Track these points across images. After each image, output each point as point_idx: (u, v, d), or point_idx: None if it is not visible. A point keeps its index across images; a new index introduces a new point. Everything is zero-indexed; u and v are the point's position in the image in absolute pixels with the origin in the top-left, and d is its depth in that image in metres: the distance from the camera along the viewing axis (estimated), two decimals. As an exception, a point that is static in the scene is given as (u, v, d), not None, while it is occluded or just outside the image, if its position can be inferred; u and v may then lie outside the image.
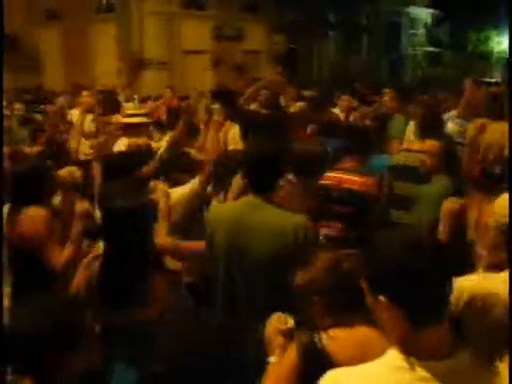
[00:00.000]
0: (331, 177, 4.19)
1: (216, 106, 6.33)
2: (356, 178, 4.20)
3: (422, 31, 31.23)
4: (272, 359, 2.23)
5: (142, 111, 6.60)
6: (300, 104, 7.90)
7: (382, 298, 1.62)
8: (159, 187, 4.09)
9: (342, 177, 4.20)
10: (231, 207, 3.21)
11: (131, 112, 6.26)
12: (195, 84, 15.93)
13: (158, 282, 2.74)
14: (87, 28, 19.33)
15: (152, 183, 4.02)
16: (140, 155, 4.38)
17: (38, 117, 8.93)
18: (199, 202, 3.95)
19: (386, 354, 1.66)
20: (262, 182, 2.99)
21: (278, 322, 2.32)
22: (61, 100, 10.22)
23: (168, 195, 3.80)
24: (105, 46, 18.77)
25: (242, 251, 2.92)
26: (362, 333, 2.12)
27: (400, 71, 28.46)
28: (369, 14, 26.08)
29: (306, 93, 11.97)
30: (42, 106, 10.72)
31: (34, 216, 3.38)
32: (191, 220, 3.88)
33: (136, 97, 12.78)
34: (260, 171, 2.98)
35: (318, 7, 21.09)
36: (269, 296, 2.75)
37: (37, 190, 3.53)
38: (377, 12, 26.30)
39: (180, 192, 3.92)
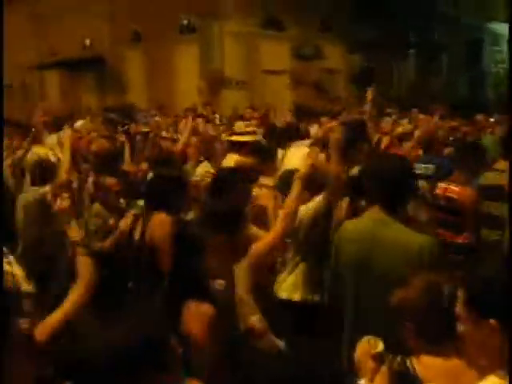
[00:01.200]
0: (441, 187, 4.91)
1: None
2: (457, 188, 4.79)
3: (504, 47, 30.36)
4: (362, 382, 2.25)
5: (250, 129, 6.72)
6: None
7: (493, 321, 1.63)
8: (264, 192, 4.22)
9: (448, 187, 4.87)
10: (359, 224, 3.19)
11: (241, 130, 6.40)
12: (274, 103, 16.17)
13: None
14: (170, 48, 19.94)
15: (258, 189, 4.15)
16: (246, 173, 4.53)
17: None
18: (325, 220, 3.95)
19: (487, 381, 1.65)
20: (392, 199, 3.02)
21: (369, 345, 2.33)
22: (156, 121, 10.62)
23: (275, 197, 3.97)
24: (187, 65, 19.31)
25: (368, 268, 2.95)
26: (454, 363, 2.10)
27: (481, 89, 27.75)
28: (449, 30, 25.63)
29: (389, 110, 11.95)
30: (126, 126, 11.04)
31: (163, 221, 3.55)
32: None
33: (217, 115, 13.09)
34: (392, 187, 3.01)
35: (397, 25, 20.92)
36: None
37: (174, 196, 3.74)
38: (457, 29, 25.80)
39: (304, 209, 3.91)
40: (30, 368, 2.33)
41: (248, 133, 6.31)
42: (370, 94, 6.90)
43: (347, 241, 3.12)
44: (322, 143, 5.22)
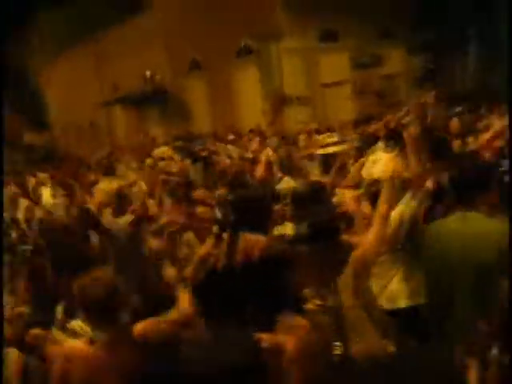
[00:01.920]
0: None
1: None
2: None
3: None
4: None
5: (332, 140, 6.76)
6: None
7: None
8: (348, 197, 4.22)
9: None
10: (448, 222, 3.45)
11: (327, 142, 6.46)
12: (337, 115, 16.08)
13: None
14: (229, 73, 20.19)
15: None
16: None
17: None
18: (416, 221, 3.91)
19: None
20: (472, 195, 3.30)
21: None
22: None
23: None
24: (247, 87, 19.51)
25: (465, 264, 3.14)
26: None
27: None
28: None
29: (458, 109, 11.68)
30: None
31: (259, 240, 3.55)
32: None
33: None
34: (472, 185, 3.31)
35: (457, 23, 20.46)
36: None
37: (262, 215, 3.75)
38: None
39: (398, 212, 3.89)
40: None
41: (333, 143, 6.35)
42: (431, 98, 6.77)
43: (442, 240, 3.36)
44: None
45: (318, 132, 11.18)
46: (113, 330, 2.90)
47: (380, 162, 5.73)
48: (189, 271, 4.61)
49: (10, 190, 10.12)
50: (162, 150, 11.82)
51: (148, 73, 23.47)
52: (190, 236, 5.01)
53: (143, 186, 7.22)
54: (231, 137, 14.26)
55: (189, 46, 21.07)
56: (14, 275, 4.94)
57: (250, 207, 3.86)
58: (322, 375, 2.49)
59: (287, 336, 2.58)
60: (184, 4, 20.75)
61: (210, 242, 4.11)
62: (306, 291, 3.12)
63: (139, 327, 2.99)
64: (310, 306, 3.07)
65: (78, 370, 2.77)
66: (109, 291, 2.86)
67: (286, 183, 6.03)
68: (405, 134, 4.04)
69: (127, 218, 5.52)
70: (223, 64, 20.14)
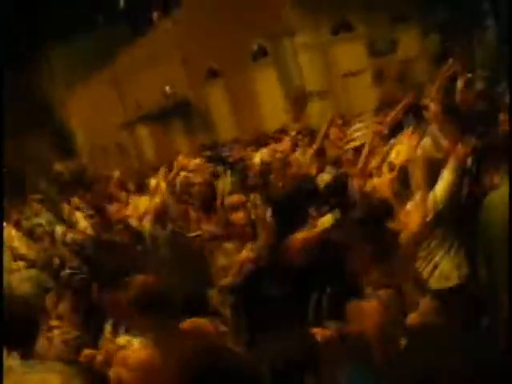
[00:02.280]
0: None
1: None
2: None
3: None
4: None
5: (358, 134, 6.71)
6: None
7: None
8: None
9: None
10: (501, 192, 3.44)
11: (356, 135, 6.41)
12: (360, 105, 15.93)
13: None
14: (247, 77, 20.18)
15: None
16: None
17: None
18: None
19: None
20: None
21: None
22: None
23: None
24: (267, 89, 19.45)
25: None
26: None
27: None
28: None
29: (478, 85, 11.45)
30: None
31: (309, 236, 3.53)
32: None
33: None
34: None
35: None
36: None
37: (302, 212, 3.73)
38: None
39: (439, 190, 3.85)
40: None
41: (361, 135, 6.30)
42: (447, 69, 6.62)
43: (496, 213, 3.31)
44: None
45: (345, 124, 11.08)
46: (163, 330, 2.98)
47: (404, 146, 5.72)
48: (227, 280, 4.61)
49: (47, 217, 10.29)
50: (194, 163, 11.84)
51: (168, 88, 23.65)
52: (228, 246, 4.98)
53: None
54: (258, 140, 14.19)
55: (204, 56, 21.15)
56: (58, 301, 4.98)
57: (290, 205, 3.87)
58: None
59: (363, 315, 2.63)
60: (194, 14, 20.85)
61: (249, 246, 4.09)
62: (364, 276, 3.11)
63: (187, 325, 3.12)
64: (369, 290, 3.08)
65: (138, 375, 2.84)
66: (157, 291, 3.01)
67: (322, 177, 6.03)
68: (430, 111, 4.01)
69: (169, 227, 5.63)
70: (240, 69, 20.15)
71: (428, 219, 3.45)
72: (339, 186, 4.72)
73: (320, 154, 6.82)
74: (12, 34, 29.43)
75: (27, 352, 2.96)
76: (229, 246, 4.99)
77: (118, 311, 3.24)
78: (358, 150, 6.72)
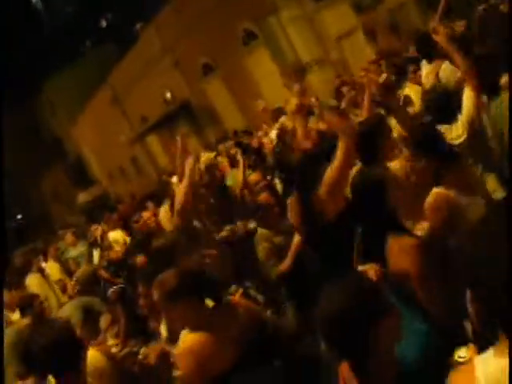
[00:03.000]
0: None
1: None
2: None
3: None
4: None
5: None
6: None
7: None
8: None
9: None
10: None
11: None
12: (359, 64, 15.73)
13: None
14: (242, 63, 20.07)
15: None
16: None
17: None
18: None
19: None
20: None
21: None
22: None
23: None
24: (264, 71, 19.32)
25: None
26: None
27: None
28: None
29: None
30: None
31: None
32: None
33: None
34: None
35: None
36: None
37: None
38: None
39: None
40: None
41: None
42: None
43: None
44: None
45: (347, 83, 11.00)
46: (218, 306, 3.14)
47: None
48: (285, 265, 4.61)
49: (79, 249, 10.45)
50: (207, 157, 11.85)
51: (168, 94, 23.69)
52: (264, 232, 4.96)
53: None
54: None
55: (195, 53, 21.12)
56: (114, 320, 5.03)
57: (310, 167, 3.80)
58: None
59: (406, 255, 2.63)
60: (175, 15, 20.79)
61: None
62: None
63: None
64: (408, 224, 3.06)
65: (192, 360, 2.92)
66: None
67: None
68: (437, 38, 4.00)
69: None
70: (233, 57, 20.05)
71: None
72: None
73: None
74: (6, 75, 29.75)
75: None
76: (264, 231, 4.96)
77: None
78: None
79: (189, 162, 4.85)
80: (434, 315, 2.59)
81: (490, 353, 1.57)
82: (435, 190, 3.16)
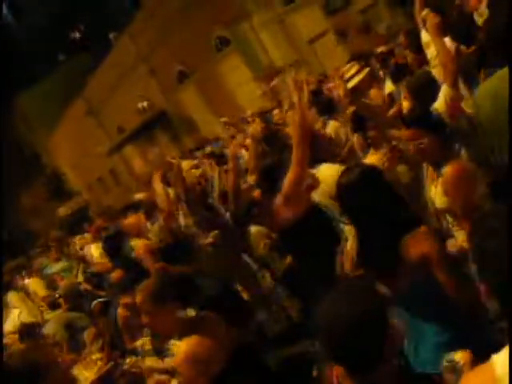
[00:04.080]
0: None
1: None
2: None
3: None
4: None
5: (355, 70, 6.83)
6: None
7: None
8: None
9: None
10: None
11: (351, 73, 6.54)
12: (333, 65, 15.86)
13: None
14: (216, 69, 20.12)
15: None
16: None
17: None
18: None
19: None
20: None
21: None
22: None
23: None
24: (239, 76, 19.39)
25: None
26: None
27: None
28: None
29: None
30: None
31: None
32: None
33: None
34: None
35: None
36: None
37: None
38: None
39: None
40: None
41: (357, 72, 6.31)
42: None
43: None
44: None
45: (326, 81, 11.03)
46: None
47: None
48: None
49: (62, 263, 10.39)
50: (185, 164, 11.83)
51: (144, 103, 23.63)
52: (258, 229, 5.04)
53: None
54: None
55: (169, 61, 21.10)
56: (98, 333, 5.04)
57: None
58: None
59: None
60: (148, 24, 20.77)
61: None
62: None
63: None
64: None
65: (202, 360, 2.91)
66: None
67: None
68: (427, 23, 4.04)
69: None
70: (207, 64, 20.09)
71: None
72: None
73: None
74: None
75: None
76: (260, 229, 5.02)
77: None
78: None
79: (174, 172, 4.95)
80: (461, 302, 2.55)
81: (507, 350, 1.47)
82: (452, 162, 3.16)
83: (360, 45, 16.81)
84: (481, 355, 1.57)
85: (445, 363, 2.10)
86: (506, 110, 2.97)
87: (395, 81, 6.73)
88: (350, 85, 6.01)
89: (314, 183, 4.07)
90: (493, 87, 3.12)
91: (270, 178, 4.12)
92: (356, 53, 14.43)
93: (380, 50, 10.94)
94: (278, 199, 3.65)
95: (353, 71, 6.45)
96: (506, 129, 2.91)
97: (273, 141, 7.06)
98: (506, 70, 3.05)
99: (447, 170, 3.17)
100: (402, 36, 10.10)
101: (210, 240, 5.27)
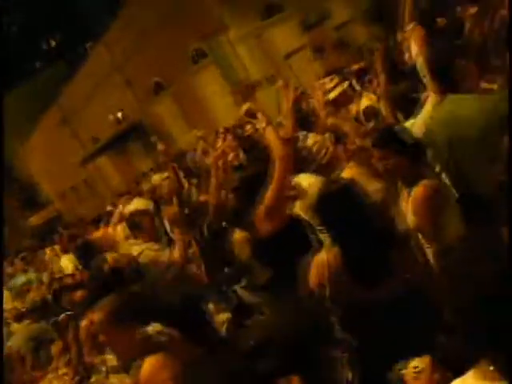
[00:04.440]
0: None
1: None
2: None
3: None
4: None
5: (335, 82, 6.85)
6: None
7: None
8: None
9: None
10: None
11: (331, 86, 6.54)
12: (309, 80, 15.96)
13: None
14: (192, 82, 20.09)
15: None
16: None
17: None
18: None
19: None
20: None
21: None
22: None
23: None
24: (214, 88, 19.40)
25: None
26: None
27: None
28: None
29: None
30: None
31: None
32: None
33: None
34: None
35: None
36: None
37: None
38: None
39: None
40: None
41: (337, 84, 6.37)
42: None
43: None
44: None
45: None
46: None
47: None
48: None
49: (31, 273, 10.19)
50: (155, 178, 11.80)
51: (119, 113, 23.51)
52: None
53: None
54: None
55: (146, 72, 21.03)
56: (65, 347, 4.95)
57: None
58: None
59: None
60: (125, 33, 20.69)
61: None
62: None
63: None
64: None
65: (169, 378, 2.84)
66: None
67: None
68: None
69: None
70: (184, 76, 20.06)
71: None
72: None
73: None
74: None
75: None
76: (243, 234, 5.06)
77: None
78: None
79: None
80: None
81: (469, 375, 1.50)
82: (423, 182, 3.19)
83: (336, 61, 16.96)
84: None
85: (403, 371, 2.12)
86: (473, 126, 3.06)
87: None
88: (331, 96, 6.14)
89: (298, 194, 4.13)
90: (448, 110, 3.22)
91: (250, 189, 4.17)
92: (331, 69, 14.63)
93: (356, 66, 11.06)
94: (260, 210, 3.66)
95: (332, 84, 6.54)
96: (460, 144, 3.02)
97: (252, 152, 7.16)
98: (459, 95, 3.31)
99: (416, 189, 3.21)
100: (377, 53, 10.20)
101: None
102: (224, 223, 5.19)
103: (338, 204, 2.91)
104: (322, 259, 2.98)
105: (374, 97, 6.78)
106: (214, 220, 4.89)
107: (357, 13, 20.75)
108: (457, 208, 3.21)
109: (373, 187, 3.88)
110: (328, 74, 13.70)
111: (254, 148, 7.11)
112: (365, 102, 7.03)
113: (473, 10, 7.45)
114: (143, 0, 19.22)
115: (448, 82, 3.68)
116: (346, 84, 6.67)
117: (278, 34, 18.99)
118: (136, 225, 5.87)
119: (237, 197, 4.39)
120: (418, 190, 3.19)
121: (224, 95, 18.83)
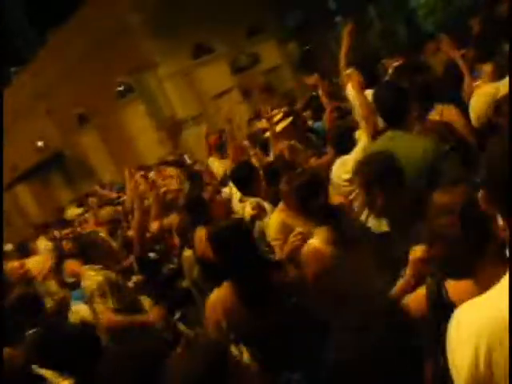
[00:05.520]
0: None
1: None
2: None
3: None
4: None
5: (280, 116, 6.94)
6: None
7: None
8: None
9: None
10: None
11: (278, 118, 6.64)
12: (236, 121, 16.06)
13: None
14: (117, 115, 19.85)
15: None
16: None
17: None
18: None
19: None
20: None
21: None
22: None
23: None
24: (139, 124, 19.23)
25: None
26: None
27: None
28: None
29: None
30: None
31: None
32: None
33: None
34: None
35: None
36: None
37: None
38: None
39: None
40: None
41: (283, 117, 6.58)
42: (312, 80, 7.15)
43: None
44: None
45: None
46: None
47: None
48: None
49: None
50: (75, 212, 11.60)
51: (39, 142, 22.92)
52: None
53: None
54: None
55: (69, 103, 20.66)
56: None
57: None
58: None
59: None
60: (52, 64, 20.31)
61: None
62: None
63: None
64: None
65: None
66: None
67: None
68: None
69: None
70: (109, 109, 19.80)
71: None
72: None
73: None
74: None
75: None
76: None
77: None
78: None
79: None
80: None
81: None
82: (309, 241, 3.22)
83: (262, 104, 17.17)
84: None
85: None
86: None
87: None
88: (278, 129, 6.37)
89: (259, 213, 4.36)
90: (385, 147, 3.36)
91: (195, 210, 4.52)
92: (257, 112, 14.79)
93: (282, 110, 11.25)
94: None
95: (279, 117, 6.76)
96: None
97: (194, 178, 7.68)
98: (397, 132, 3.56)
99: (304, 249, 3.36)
100: (303, 101, 10.44)
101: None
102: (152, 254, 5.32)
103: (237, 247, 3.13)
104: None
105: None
106: (140, 251, 5.16)
107: (286, 59, 21.28)
108: None
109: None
110: (255, 117, 13.92)
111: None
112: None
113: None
114: (72, 30, 18.92)
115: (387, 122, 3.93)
116: (289, 120, 6.90)
117: (207, 74, 19.10)
118: None
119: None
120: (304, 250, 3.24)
121: (149, 131, 18.69)
